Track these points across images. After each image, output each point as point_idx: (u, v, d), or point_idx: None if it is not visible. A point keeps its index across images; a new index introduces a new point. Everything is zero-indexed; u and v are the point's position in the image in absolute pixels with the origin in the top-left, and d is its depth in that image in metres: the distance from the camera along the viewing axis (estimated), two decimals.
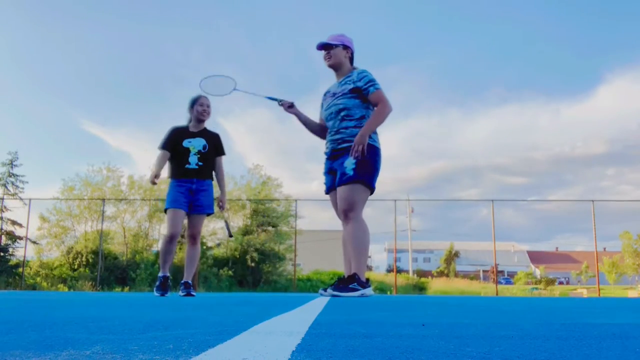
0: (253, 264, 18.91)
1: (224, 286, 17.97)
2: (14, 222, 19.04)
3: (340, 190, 3.79)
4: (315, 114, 4.27)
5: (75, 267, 18.24)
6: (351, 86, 3.88)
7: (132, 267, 18.20)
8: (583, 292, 23.64)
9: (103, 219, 18.91)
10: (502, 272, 53.14)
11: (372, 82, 3.85)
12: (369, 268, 42.04)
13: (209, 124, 5.02)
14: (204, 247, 18.80)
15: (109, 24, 52.63)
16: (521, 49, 77.60)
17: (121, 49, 55.82)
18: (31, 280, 17.73)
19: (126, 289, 17.11)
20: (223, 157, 5.05)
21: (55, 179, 65.39)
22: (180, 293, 4.79)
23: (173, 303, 2.89)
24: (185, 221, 4.92)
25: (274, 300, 3.84)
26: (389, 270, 38.86)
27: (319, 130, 4.19)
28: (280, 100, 4.16)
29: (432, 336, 1.05)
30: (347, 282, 3.64)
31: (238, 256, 19.21)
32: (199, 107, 4.88)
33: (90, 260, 18.19)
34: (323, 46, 4.04)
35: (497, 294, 17.27)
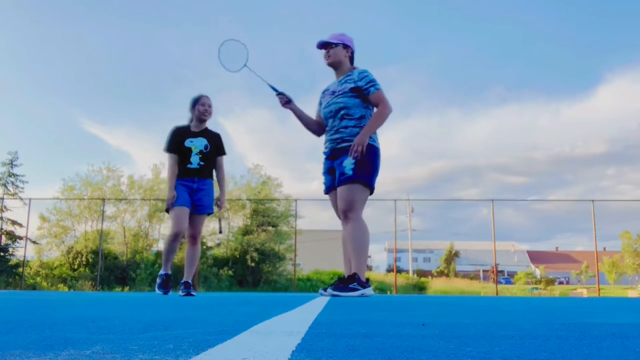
0: (253, 264, 18.92)
1: (224, 286, 17.97)
2: (14, 222, 19.04)
3: (340, 190, 3.79)
4: (314, 113, 4.26)
5: (75, 267, 18.24)
6: (352, 85, 3.88)
7: (132, 267, 18.20)
8: (583, 292, 23.65)
9: (103, 218, 18.91)
10: (502, 272, 53.14)
11: (372, 82, 3.85)
12: (369, 268, 42.03)
13: (209, 124, 5.02)
14: (204, 247, 18.80)
15: (109, 24, 52.62)
16: (521, 48, 77.61)
17: (121, 49, 55.82)
18: (31, 280, 17.73)
19: (126, 288, 17.12)
20: (224, 157, 5.05)
21: (55, 179, 65.44)
22: (180, 293, 4.78)
23: (173, 303, 2.89)
24: None
25: (274, 300, 3.84)
26: (389, 270, 38.86)
27: (314, 126, 4.18)
28: (280, 93, 4.11)
29: (432, 336, 1.05)
30: (347, 282, 3.64)
31: (238, 256, 19.21)
32: (200, 107, 4.87)
33: (90, 260, 18.19)
34: (323, 45, 4.04)
35: (497, 294, 17.27)
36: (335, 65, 4.05)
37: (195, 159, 4.80)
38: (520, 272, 46.30)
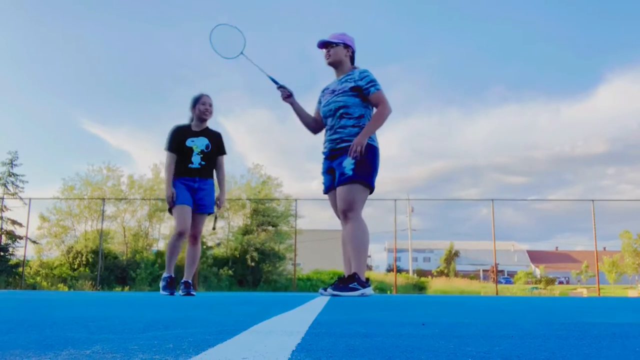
0: (253, 264, 18.92)
1: (223, 286, 17.97)
2: (14, 222, 19.03)
3: (340, 190, 3.79)
4: (313, 111, 4.24)
5: (75, 266, 18.25)
6: (352, 84, 3.88)
7: (132, 266, 18.20)
8: (583, 292, 23.64)
9: (103, 218, 18.91)
10: (502, 271, 53.13)
11: (373, 82, 3.85)
12: (369, 268, 42.03)
13: (210, 123, 5.01)
14: (204, 246, 18.80)
15: (109, 24, 52.63)
16: (521, 48, 77.62)
17: (121, 49, 55.83)
18: (31, 280, 17.73)
19: (126, 288, 17.12)
20: (224, 157, 5.04)
21: (55, 179, 65.47)
22: (180, 292, 4.79)
23: (173, 302, 2.89)
24: None
25: (274, 299, 3.84)
26: (389, 270, 38.86)
27: (312, 123, 4.17)
28: (281, 85, 4.08)
29: (432, 335, 1.05)
30: (347, 282, 3.64)
31: (238, 256, 19.21)
32: (201, 106, 4.86)
33: (90, 259, 18.20)
34: (324, 44, 4.04)
35: (497, 294, 17.28)
36: (335, 64, 4.04)
37: (197, 159, 4.80)
38: (520, 271, 46.30)
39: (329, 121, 3.96)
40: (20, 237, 18.65)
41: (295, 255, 18.51)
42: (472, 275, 38.09)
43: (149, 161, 46.64)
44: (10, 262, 18.31)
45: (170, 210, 4.81)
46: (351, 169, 3.72)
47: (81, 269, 18.09)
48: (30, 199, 18.17)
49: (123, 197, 20.35)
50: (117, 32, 53.41)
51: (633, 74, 72.99)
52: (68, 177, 22.52)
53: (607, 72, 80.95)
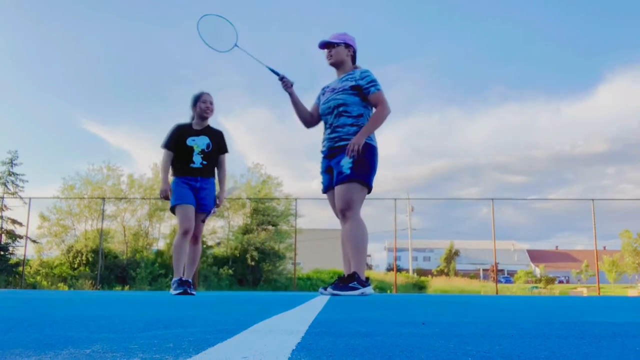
0: (253, 263, 18.92)
1: (224, 285, 17.97)
2: (14, 221, 19.02)
3: (338, 189, 3.79)
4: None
5: (76, 266, 18.25)
6: (352, 83, 3.88)
7: (132, 265, 18.20)
8: (583, 291, 23.65)
9: (103, 217, 18.91)
10: (502, 270, 53.15)
11: (374, 82, 3.85)
12: (369, 267, 42.04)
13: (210, 122, 4.99)
14: (204, 245, 18.80)
15: (109, 24, 52.61)
16: (521, 48, 77.62)
17: (121, 49, 55.82)
18: (31, 279, 17.74)
19: (126, 287, 17.13)
20: (226, 155, 5.01)
21: (56, 178, 65.54)
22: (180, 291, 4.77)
23: (173, 302, 2.89)
24: None
25: (274, 299, 3.84)
26: (389, 269, 38.90)
27: (307, 117, 4.16)
28: (282, 76, 4.04)
29: (432, 335, 1.05)
30: (347, 281, 3.64)
31: (238, 255, 19.22)
32: (202, 105, 4.83)
33: (91, 259, 18.20)
34: (325, 45, 4.04)
35: (497, 293, 17.28)
36: (337, 64, 4.04)
37: (198, 158, 4.76)
38: (520, 271, 46.33)
39: (328, 119, 3.96)
40: (21, 237, 18.66)
41: (295, 254, 18.51)
42: (472, 275, 38.12)
43: (149, 160, 46.64)
44: (11, 262, 18.31)
45: (172, 210, 4.78)
46: (349, 167, 3.72)
47: (81, 268, 18.10)
48: (30, 198, 18.18)
49: (123, 196, 20.35)
50: (117, 32, 53.41)
51: (633, 74, 73.07)
52: (68, 176, 22.48)
53: (607, 72, 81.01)
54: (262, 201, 20.24)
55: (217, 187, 5.05)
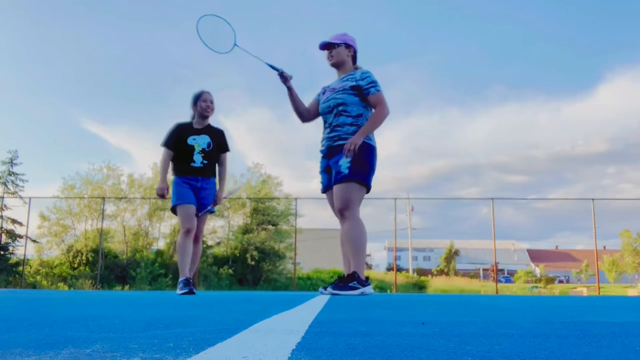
0: (253, 263, 18.92)
1: (224, 284, 17.97)
2: (14, 221, 19.01)
3: (336, 189, 3.79)
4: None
5: (76, 265, 18.25)
6: (353, 83, 3.88)
7: (132, 265, 18.20)
8: (583, 291, 23.64)
9: (103, 217, 18.91)
10: (502, 270, 53.16)
11: (374, 83, 3.85)
12: (369, 266, 42.06)
13: (211, 122, 4.97)
14: (204, 245, 18.80)
15: (109, 24, 52.61)
16: (521, 48, 77.63)
17: (121, 49, 55.82)
18: (31, 279, 17.74)
19: (126, 287, 17.12)
20: (227, 154, 4.97)
21: (56, 178, 65.55)
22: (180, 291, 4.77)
23: (173, 301, 2.89)
24: None
25: (274, 298, 3.84)
26: (389, 269, 38.90)
27: (304, 111, 4.14)
28: (282, 71, 4.01)
29: (432, 334, 1.05)
30: (346, 281, 3.64)
31: (238, 254, 19.21)
32: (202, 103, 4.80)
33: (91, 258, 18.20)
34: (325, 45, 4.04)
35: (497, 293, 17.28)
36: (338, 65, 4.04)
37: (198, 158, 4.73)
38: (520, 270, 46.34)
39: (327, 118, 3.96)
40: (21, 236, 18.65)
41: (295, 254, 18.51)
42: (472, 274, 38.13)
43: (149, 160, 46.65)
44: (11, 261, 18.31)
45: (174, 210, 4.76)
46: (347, 167, 3.71)
47: (81, 268, 18.09)
48: (30, 198, 18.17)
49: (123, 196, 20.34)
50: (117, 32, 53.42)
51: (633, 73, 73.11)
52: (68, 176, 22.50)
53: (607, 72, 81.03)
54: (262, 201, 20.24)
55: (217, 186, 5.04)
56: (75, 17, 50.80)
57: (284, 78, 4.03)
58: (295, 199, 19.50)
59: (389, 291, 17.86)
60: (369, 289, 3.67)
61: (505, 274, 50.64)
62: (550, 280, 33.40)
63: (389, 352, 0.78)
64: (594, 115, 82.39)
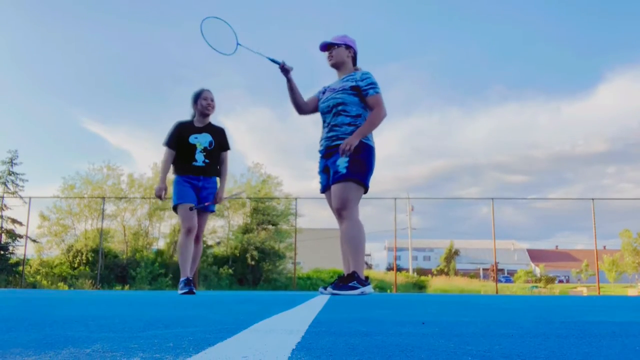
0: (253, 262, 18.92)
1: (224, 284, 17.97)
2: (14, 221, 19.01)
3: (334, 189, 3.78)
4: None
5: (76, 265, 18.24)
6: (352, 84, 3.89)
7: (132, 265, 18.20)
8: (583, 291, 23.64)
9: (103, 217, 18.90)
10: (502, 270, 53.17)
11: (373, 85, 3.85)
12: (369, 266, 42.06)
13: (212, 120, 4.94)
14: (204, 245, 18.79)
15: (109, 24, 52.62)
16: (521, 48, 77.65)
17: (121, 49, 55.84)
18: (31, 279, 17.74)
19: (126, 287, 17.12)
20: (228, 152, 4.95)
21: (56, 177, 65.57)
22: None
23: (173, 301, 2.89)
24: None
25: (274, 298, 3.84)
26: (389, 269, 38.90)
27: (302, 103, 4.13)
28: (283, 63, 3.98)
29: (432, 334, 1.05)
30: (346, 281, 3.64)
31: (238, 254, 19.21)
32: (203, 102, 4.77)
33: (91, 258, 18.19)
34: (326, 46, 4.05)
35: (497, 292, 17.28)
36: (338, 65, 4.05)
37: (200, 157, 4.70)
38: (520, 270, 46.35)
39: (326, 118, 3.97)
40: (21, 236, 18.65)
41: (295, 254, 18.51)
42: (472, 274, 38.13)
43: (149, 160, 46.74)
44: (11, 261, 18.31)
45: (175, 209, 4.72)
46: (345, 167, 3.71)
47: (81, 267, 18.09)
48: (30, 198, 18.17)
49: (123, 196, 20.34)
50: (117, 32, 53.43)
51: (633, 73, 73.14)
52: (68, 175, 22.48)
53: (607, 71, 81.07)
54: (262, 200, 20.23)
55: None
56: (75, 17, 50.85)
57: (285, 70, 4.02)
58: (295, 198, 19.51)
59: (389, 291, 17.85)
60: (368, 289, 3.67)
61: (505, 274, 50.65)
62: (550, 280, 33.42)
63: (389, 352, 0.78)
64: (594, 115, 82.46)
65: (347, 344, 0.87)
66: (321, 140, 4.02)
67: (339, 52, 4.02)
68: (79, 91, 56.55)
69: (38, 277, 17.89)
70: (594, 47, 76.08)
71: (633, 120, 78.42)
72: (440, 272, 39.65)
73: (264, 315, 1.57)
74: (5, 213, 19.05)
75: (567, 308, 2.54)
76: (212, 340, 0.89)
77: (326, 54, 4.07)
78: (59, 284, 17.51)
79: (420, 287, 22.10)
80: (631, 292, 22.02)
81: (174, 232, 19.00)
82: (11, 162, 19.92)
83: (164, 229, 20.47)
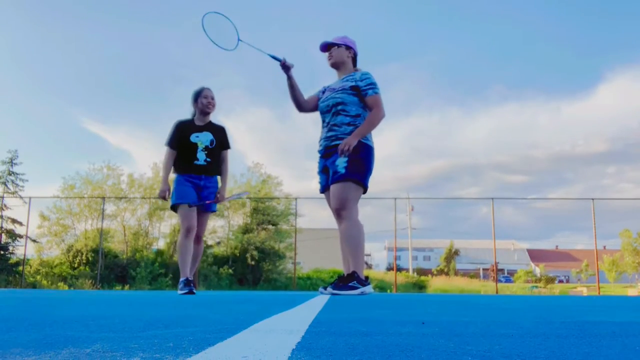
0: (253, 262, 18.91)
1: (224, 284, 17.97)
2: (14, 221, 19.01)
3: (333, 189, 3.78)
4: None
5: (76, 265, 18.24)
6: (352, 84, 3.89)
7: (132, 265, 18.20)
8: (583, 291, 23.65)
9: (103, 217, 18.90)
10: (502, 270, 53.17)
11: (372, 85, 3.86)
12: (369, 266, 42.06)
13: (212, 119, 4.91)
14: (204, 245, 18.77)
15: (109, 24, 52.63)
16: (521, 48, 77.66)
17: (121, 49, 55.84)
18: (31, 279, 17.73)
19: (126, 287, 17.12)
20: (228, 151, 4.92)
21: (56, 177, 65.59)
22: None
23: (173, 301, 2.89)
24: None
25: (274, 298, 3.84)
26: (389, 269, 38.91)
27: (302, 100, 4.12)
28: (284, 60, 3.97)
29: (432, 334, 1.05)
30: (346, 281, 3.64)
31: (238, 254, 19.21)
32: (203, 100, 4.75)
33: (91, 258, 18.19)
34: (326, 46, 4.05)
35: (497, 292, 17.27)
36: (338, 65, 4.05)
37: (202, 155, 4.68)
38: (520, 270, 46.35)
39: (326, 118, 3.97)
40: (21, 236, 18.65)
41: (295, 254, 18.51)
42: (472, 274, 38.14)
43: (149, 160, 46.74)
44: (11, 261, 18.31)
45: (174, 209, 4.70)
46: (344, 167, 3.71)
47: (81, 267, 18.09)
48: (30, 198, 18.17)
49: (123, 195, 20.34)
50: (117, 32, 53.43)
51: (633, 73, 73.15)
52: (68, 175, 22.48)
53: (607, 71, 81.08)
54: (262, 200, 20.23)
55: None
56: (75, 17, 50.85)
57: (286, 67, 4.01)
58: (295, 198, 19.50)
59: (389, 291, 17.85)
60: (368, 289, 3.67)
61: (505, 274, 50.64)
62: (550, 280, 33.40)
63: (389, 352, 0.78)
64: (594, 115, 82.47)
65: (347, 344, 0.87)
66: (320, 140, 4.02)
67: (339, 52, 4.02)
68: (79, 91, 56.61)
69: (38, 277, 17.88)
70: (594, 47, 76.14)
71: (633, 120, 78.47)
72: (440, 272, 39.65)
73: (264, 315, 1.57)
74: (5, 213, 19.05)
75: (567, 308, 2.54)
76: (212, 340, 0.89)
77: (326, 54, 4.08)
78: (59, 284, 17.51)
79: (420, 287, 22.10)
80: (631, 292, 22.02)
81: (174, 232, 19.00)
82: (11, 162, 19.93)
83: (164, 229, 20.48)
